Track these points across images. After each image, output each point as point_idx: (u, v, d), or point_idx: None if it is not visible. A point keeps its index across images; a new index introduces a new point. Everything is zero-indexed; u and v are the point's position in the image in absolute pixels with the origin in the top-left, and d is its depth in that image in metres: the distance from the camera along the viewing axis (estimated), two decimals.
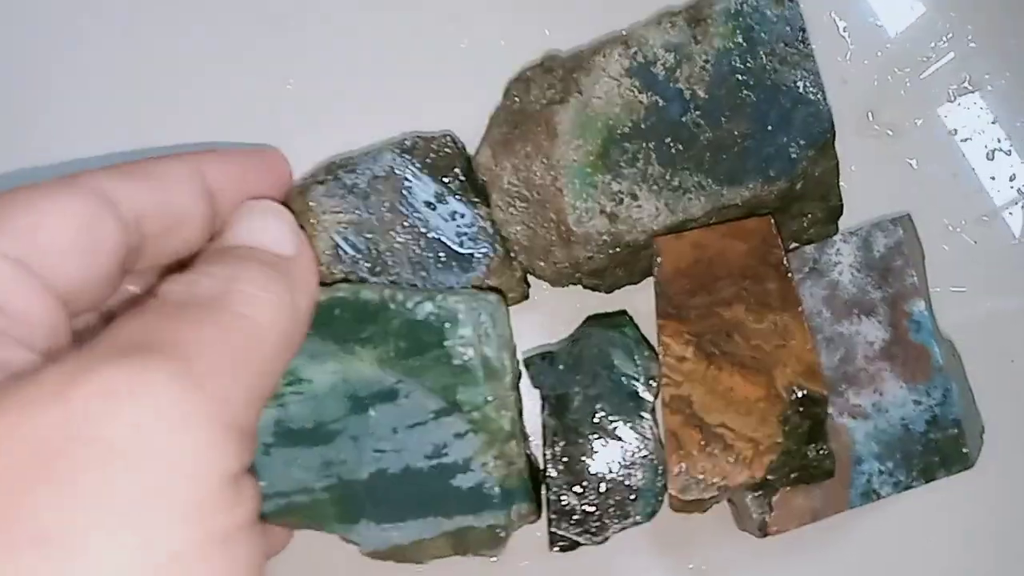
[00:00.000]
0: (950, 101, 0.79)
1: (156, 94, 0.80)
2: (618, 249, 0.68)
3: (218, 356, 0.48)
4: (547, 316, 0.75)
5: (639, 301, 0.72)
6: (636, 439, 0.67)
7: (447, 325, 0.62)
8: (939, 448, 0.67)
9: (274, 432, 0.62)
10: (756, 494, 0.67)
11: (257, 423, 0.50)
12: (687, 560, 0.73)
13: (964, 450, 0.67)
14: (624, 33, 0.70)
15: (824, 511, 0.67)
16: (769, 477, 0.63)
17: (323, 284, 0.65)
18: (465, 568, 0.68)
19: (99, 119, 0.79)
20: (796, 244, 0.73)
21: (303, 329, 0.57)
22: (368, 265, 0.68)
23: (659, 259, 0.66)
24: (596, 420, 0.67)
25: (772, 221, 0.66)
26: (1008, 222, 0.78)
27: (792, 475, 0.63)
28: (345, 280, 0.67)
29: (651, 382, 0.67)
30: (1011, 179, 0.78)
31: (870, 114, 0.79)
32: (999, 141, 0.79)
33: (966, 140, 0.79)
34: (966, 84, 0.79)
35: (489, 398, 0.62)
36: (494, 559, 0.66)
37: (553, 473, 0.67)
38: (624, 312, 0.72)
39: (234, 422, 0.47)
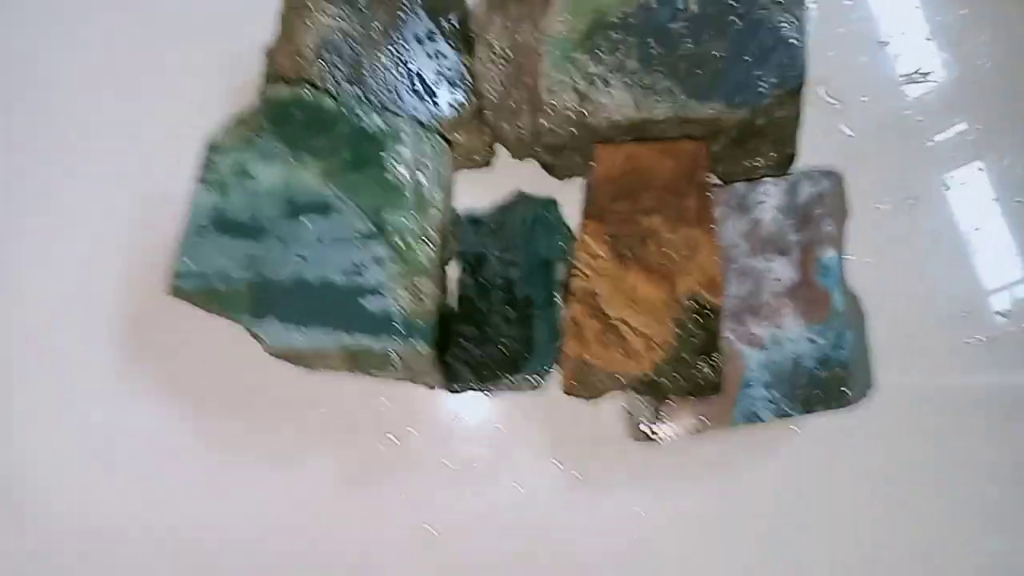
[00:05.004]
0: (897, 86, 0.67)
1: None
2: (579, 129, 0.56)
3: None
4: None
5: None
6: (541, 304, 0.56)
7: (389, 141, 0.52)
8: (822, 384, 0.56)
9: (211, 217, 0.51)
10: (646, 400, 0.56)
11: None
12: (574, 464, 0.61)
13: (844, 391, 0.56)
14: None
15: (707, 425, 0.56)
16: (658, 378, 0.53)
17: (287, 80, 0.54)
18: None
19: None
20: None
21: None
22: (346, 72, 0.56)
23: (594, 164, 0.56)
24: (507, 281, 0.57)
25: (706, 146, 0.56)
26: (931, 207, 0.66)
27: (682, 383, 0.53)
28: (320, 78, 0.55)
29: (566, 258, 0.57)
30: (943, 170, 0.66)
31: (823, 84, 0.66)
32: (944, 129, 0.66)
33: (911, 124, 0.66)
34: (918, 71, 0.67)
35: (412, 225, 0.51)
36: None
37: (459, 323, 0.56)
38: (553, 198, 0.60)
39: None
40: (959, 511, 0.61)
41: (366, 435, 0.59)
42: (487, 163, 0.61)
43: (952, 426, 0.63)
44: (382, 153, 0.50)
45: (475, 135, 0.58)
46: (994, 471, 0.62)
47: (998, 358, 0.63)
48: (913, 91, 0.66)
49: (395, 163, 0.50)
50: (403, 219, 0.50)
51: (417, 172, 0.51)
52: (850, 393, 0.56)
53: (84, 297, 0.60)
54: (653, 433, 0.55)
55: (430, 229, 0.51)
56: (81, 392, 0.59)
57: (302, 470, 0.58)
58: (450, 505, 0.59)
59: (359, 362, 0.51)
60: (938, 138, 0.66)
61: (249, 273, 0.50)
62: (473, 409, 0.57)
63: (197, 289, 0.50)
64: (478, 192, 0.61)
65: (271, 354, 0.51)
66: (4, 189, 0.61)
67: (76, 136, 0.62)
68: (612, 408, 0.60)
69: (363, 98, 0.55)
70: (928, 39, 0.66)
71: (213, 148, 0.51)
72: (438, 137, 0.52)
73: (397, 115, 0.52)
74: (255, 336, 0.51)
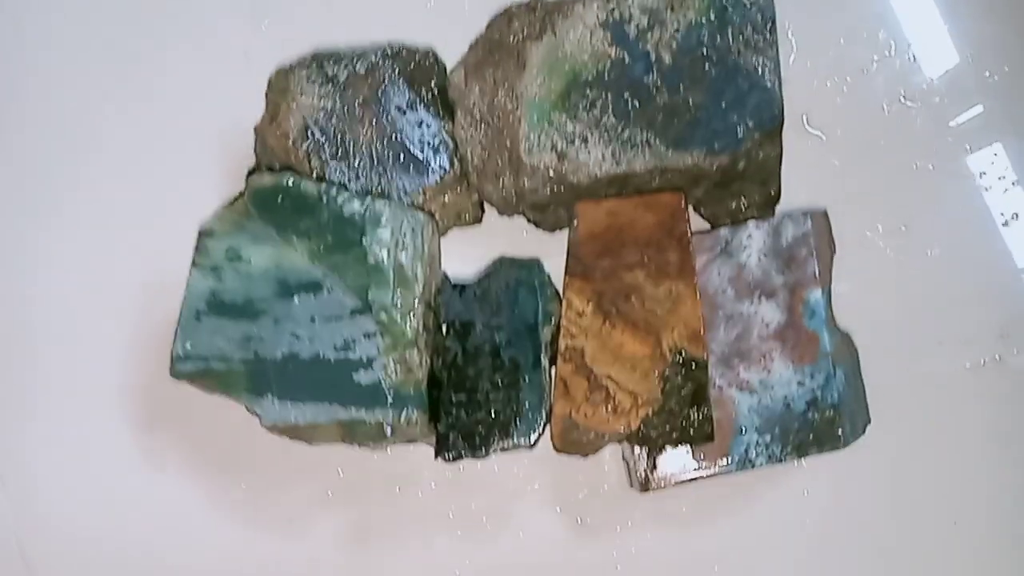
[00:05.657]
0: (882, 111, 0.67)
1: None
2: (560, 187, 0.58)
3: None
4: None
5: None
6: (528, 367, 0.57)
7: (369, 225, 0.54)
8: (815, 427, 0.57)
9: (207, 301, 0.54)
10: (641, 451, 0.58)
11: None
12: (575, 512, 0.63)
13: (838, 432, 0.57)
14: None
15: (703, 472, 0.57)
16: (646, 430, 0.54)
17: (270, 170, 0.57)
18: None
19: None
20: (731, 222, 0.62)
21: None
22: (331, 150, 0.58)
23: (576, 221, 0.57)
24: (494, 347, 0.58)
25: (683, 197, 0.57)
26: (923, 231, 0.66)
27: (673, 434, 0.55)
28: (307, 158, 0.58)
29: (551, 319, 0.58)
30: (933, 193, 0.66)
31: (805, 117, 0.66)
32: (927, 154, 0.66)
33: (897, 150, 0.67)
34: (901, 96, 0.67)
35: (397, 302, 0.53)
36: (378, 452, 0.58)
37: (449, 390, 0.57)
38: (536, 258, 0.62)
39: None
40: (962, 544, 0.62)
41: (371, 491, 0.61)
42: (478, 220, 0.62)
43: (954, 454, 0.63)
44: (363, 237, 0.53)
45: (462, 196, 0.60)
46: (997, 497, 0.63)
47: (1000, 382, 0.64)
48: (897, 115, 0.66)
49: (376, 246, 0.53)
50: (387, 297, 0.52)
51: (398, 252, 0.53)
52: (843, 434, 0.56)
53: (93, 375, 0.62)
54: (650, 481, 0.56)
55: (414, 303, 0.53)
56: (93, 465, 0.62)
57: (312, 530, 0.61)
58: (455, 555, 0.61)
59: (354, 434, 0.53)
60: (925, 162, 0.66)
61: (246, 353, 0.53)
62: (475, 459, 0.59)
63: (196, 371, 0.53)
64: (471, 246, 0.63)
65: (268, 429, 0.53)
66: (11, 271, 0.64)
67: (76, 213, 0.64)
68: (613, 454, 0.61)
69: (346, 178, 0.57)
70: (912, 59, 0.67)
71: (205, 233, 0.53)
72: (419, 213, 0.54)
73: (379, 197, 0.54)
74: (253, 412, 0.53)
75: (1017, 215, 0.66)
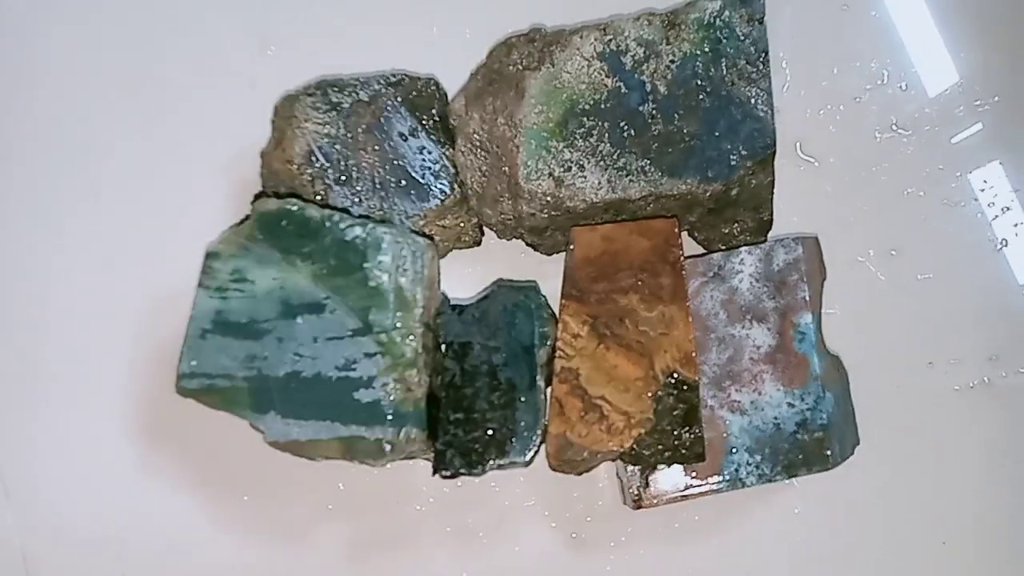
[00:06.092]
0: (874, 138, 0.69)
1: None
2: (558, 213, 0.59)
3: None
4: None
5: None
6: (524, 387, 0.59)
7: (370, 250, 0.56)
8: (804, 448, 0.59)
9: (213, 320, 0.55)
10: (634, 469, 0.59)
11: None
12: (570, 528, 0.64)
13: (827, 453, 0.58)
14: (605, 21, 0.60)
15: (694, 491, 0.59)
16: (639, 449, 0.56)
17: (276, 196, 0.58)
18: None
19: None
20: (724, 247, 0.64)
21: None
22: (335, 175, 0.60)
23: (572, 246, 0.59)
24: (491, 367, 0.59)
25: (676, 223, 0.59)
26: (913, 259, 0.68)
27: (666, 454, 0.56)
28: (311, 183, 0.60)
29: (546, 342, 0.60)
30: (924, 219, 0.68)
31: (798, 144, 0.68)
32: (917, 180, 0.69)
33: (886, 177, 0.69)
34: (893, 123, 0.69)
35: (397, 324, 0.55)
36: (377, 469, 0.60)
37: (447, 409, 0.59)
38: (533, 282, 0.63)
39: None
40: (952, 565, 0.64)
41: (371, 506, 0.63)
42: (477, 243, 0.64)
43: (943, 476, 0.65)
44: (365, 263, 0.54)
45: (462, 219, 0.62)
46: (985, 518, 0.64)
47: (989, 404, 0.65)
48: (888, 142, 0.68)
49: (377, 271, 0.54)
50: (387, 319, 0.54)
51: (398, 275, 0.55)
52: (831, 455, 0.58)
53: (101, 391, 0.64)
54: (643, 499, 0.58)
55: (414, 325, 0.54)
56: (99, 479, 0.63)
57: (312, 544, 0.62)
58: (452, 569, 0.62)
59: (354, 451, 0.54)
60: (916, 188, 0.67)
61: (250, 371, 0.54)
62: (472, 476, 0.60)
63: (201, 388, 0.54)
64: (470, 268, 0.65)
65: (271, 446, 0.55)
66: (23, 288, 0.65)
67: (87, 233, 0.66)
68: (607, 471, 0.63)
69: (349, 202, 0.59)
70: (904, 88, 0.69)
71: (212, 255, 0.55)
72: (419, 238, 0.56)
73: (380, 222, 0.56)
74: (256, 428, 0.55)
75: (1006, 240, 0.67)
